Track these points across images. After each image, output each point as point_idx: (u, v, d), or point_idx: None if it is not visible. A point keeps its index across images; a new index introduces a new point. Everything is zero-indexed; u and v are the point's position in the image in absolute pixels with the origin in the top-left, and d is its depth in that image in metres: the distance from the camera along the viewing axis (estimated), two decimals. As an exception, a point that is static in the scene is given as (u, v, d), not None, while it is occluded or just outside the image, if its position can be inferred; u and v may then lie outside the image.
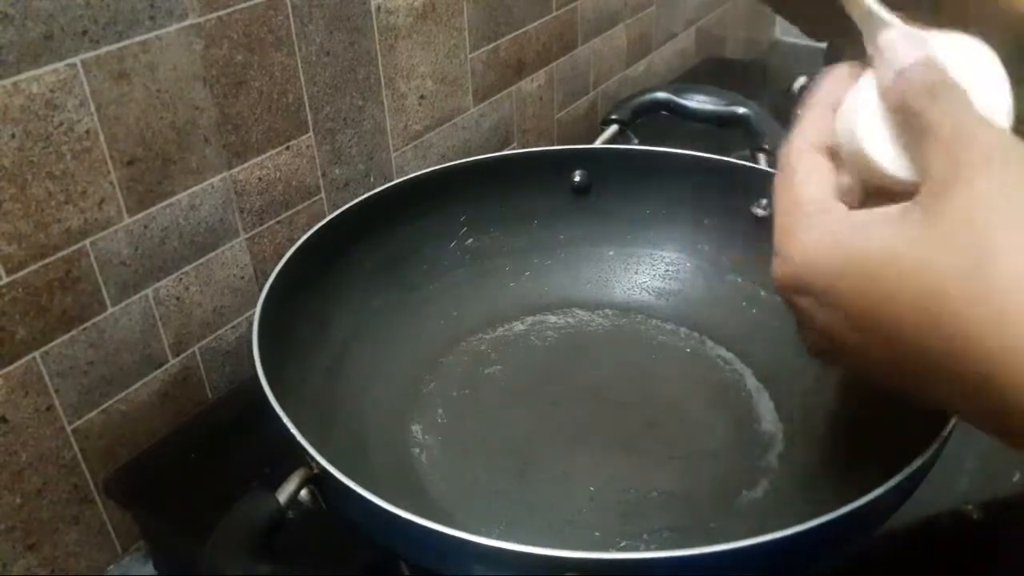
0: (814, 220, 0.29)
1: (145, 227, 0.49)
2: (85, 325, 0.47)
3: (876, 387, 0.32)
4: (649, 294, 0.59)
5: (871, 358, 0.29)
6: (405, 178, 0.57)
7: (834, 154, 0.32)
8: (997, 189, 0.25)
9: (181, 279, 0.52)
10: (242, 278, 0.57)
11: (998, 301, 0.24)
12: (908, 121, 0.29)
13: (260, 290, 0.45)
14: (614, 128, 0.72)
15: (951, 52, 0.31)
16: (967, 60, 0.31)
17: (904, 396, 0.30)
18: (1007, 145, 0.26)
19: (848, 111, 0.32)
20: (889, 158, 0.31)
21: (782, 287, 0.30)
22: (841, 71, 0.33)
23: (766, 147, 0.64)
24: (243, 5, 0.51)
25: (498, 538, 0.31)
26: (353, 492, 0.34)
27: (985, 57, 0.31)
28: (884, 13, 0.32)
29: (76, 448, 0.49)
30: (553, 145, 0.77)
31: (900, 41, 0.30)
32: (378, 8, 0.60)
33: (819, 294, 0.29)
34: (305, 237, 0.50)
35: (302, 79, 0.56)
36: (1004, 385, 0.24)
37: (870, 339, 0.28)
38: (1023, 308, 0.23)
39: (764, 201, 0.55)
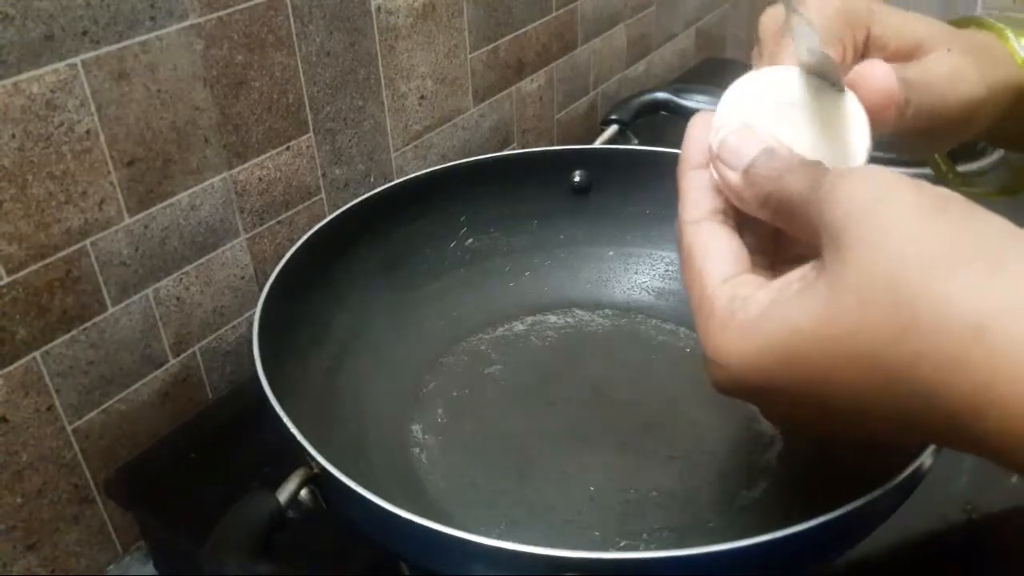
0: (725, 317, 0.28)
1: (145, 227, 0.49)
2: (85, 325, 0.47)
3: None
4: (649, 294, 0.59)
5: (834, 428, 0.29)
6: (405, 178, 0.57)
7: (726, 210, 0.31)
8: (892, 242, 0.24)
9: (181, 279, 0.52)
10: (242, 278, 0.57)
11: (936, 355, 0.23)
12: (779, 213, 0.29)
13: (260, 290, 0.45)
14: (614, 128, 0.72)
15: (799, 88, 0.32)
16: (817, 94, 0.31)
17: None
18: (884, 196, 0.26)
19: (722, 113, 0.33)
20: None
21: (722, 392, 0.29)
22: (700, 124, 0.33)
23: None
24: (243, 5, 0.51)
25: (498, 538, 0.31)
26: (353, 492, 0.34)
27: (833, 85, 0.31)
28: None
29: (76, 448, 0.49)
30: (553, 145, 0.77)
31: (736, 134, 0.30)
32: (378, 8, 0.60)
33: (758, 393, 0.28)
34: (305, 237, 0.50)
35: (302, 79, 0.56)
36: (973, 425, 0.23)
37: (826, 415, 0.27)
38: (965, 357, 0.23)
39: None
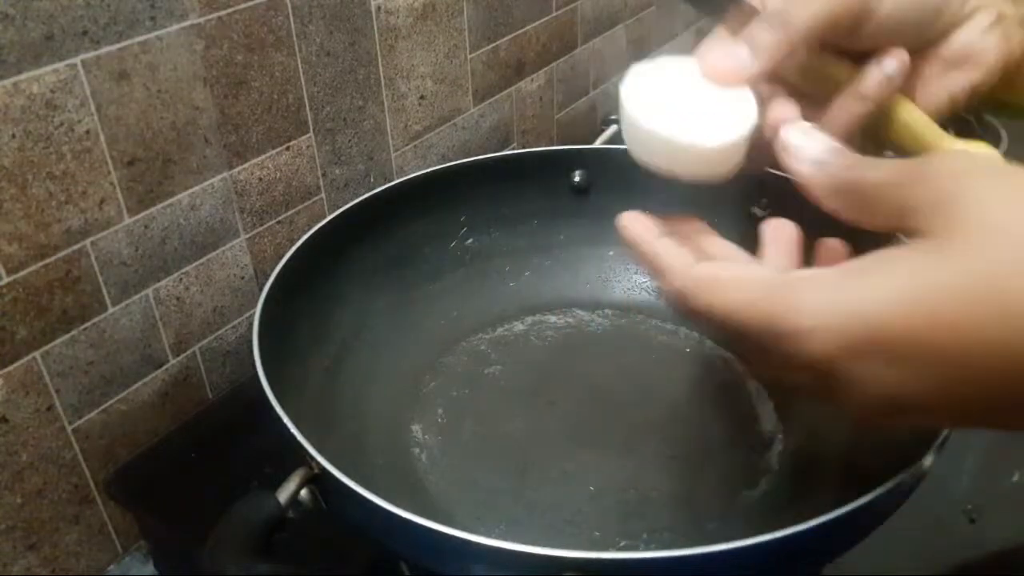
0: (810, 283, 0.27)
1: (145, 227, 0.49)
2: (85, 325, 0.47)
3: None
4: (649, 294, 0.59)
5: (948, 401, 0.26)
6: (405, 178, 0.57)
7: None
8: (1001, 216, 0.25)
9: (181, 279, 0.52)
10: (242, 278, 0.57)
11: None
12: (853, 201, 0.30)
13: (260, 290, 0.45)
14: (614, 128, 0.72)
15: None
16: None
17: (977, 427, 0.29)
18: (978, 168, 0.27)
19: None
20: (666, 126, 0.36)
21: (832, 359, 0.26)
22: (632, 217, 0.37)
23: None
24: (243, 5, 0.51)
25: (498, 538, 0.31)
26: (353, 492, 0.34)
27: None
28: None
29: (76, 448, 0.49)
30: (553, 145, 0.77)
31: (800, 132, 0.33)
32: (378, 8, 0.60)
33: (892, 346, 0.26)
34: (305, 237, 0.50)
35: (302, 79, 0.56)
36: None
37: (954, 377, 0.25)
38: None
39: (764, 200, 0.55)
